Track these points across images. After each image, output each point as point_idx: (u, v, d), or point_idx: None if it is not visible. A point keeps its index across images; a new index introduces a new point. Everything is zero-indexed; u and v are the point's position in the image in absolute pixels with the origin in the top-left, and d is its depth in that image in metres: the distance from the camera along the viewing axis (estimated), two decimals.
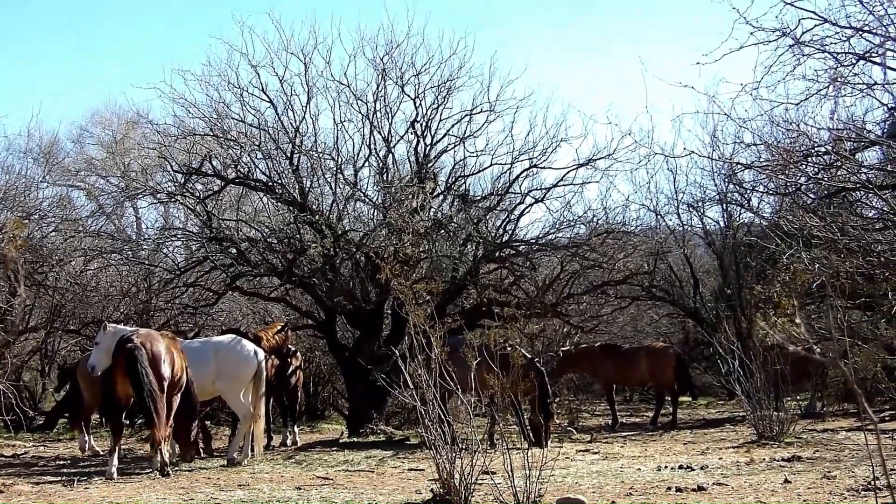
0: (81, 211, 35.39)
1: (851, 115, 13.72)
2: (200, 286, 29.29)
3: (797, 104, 13.94)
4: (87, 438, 22.27)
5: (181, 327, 26.47)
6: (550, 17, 72.94)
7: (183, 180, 28.34)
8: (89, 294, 29.50)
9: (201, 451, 20.58)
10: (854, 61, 12.84)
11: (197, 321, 28.71)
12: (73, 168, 40.83)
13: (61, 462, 20.83)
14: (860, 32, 12.67)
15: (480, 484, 12.57)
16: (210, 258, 28.60)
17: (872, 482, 11.44)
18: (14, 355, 28.48)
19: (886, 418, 22.43)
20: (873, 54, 12.71)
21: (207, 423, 21.21)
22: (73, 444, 23.45)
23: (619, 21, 72.55)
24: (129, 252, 31.56)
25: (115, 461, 17.88)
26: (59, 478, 17.81)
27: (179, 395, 18.71)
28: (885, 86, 13.11)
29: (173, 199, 30.40)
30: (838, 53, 12.83)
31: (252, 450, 20.37)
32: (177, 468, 18.77)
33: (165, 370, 17.87)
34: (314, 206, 28.03)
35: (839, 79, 12.91)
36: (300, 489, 16.04)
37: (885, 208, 13.61)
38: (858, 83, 13.06)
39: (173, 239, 32.93)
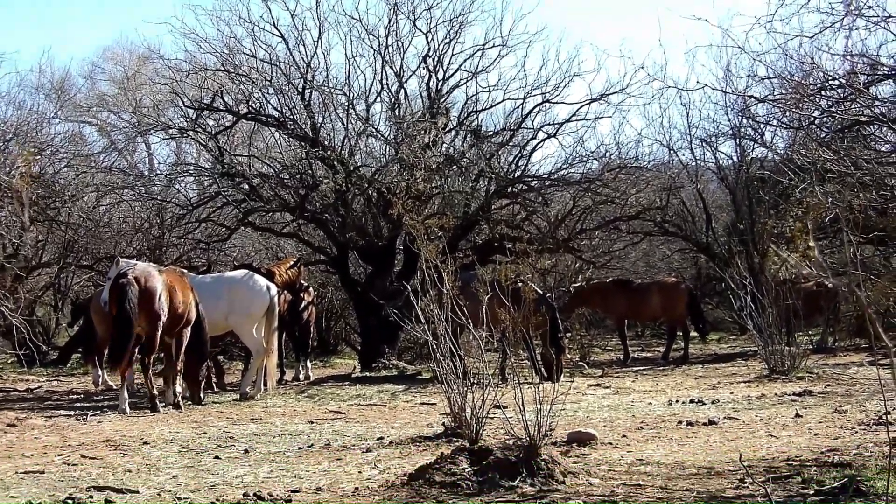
0: (93, 146, 35.38)
1: (866, 48, 13.61)
2: (213, 221, 29.21)
3: (811, 37, 13.79)
4: (100, 373, 22.31)
5: (194, 262, 26.45)
6: None
7: (195, 116, 28.30)
8: (102, 229, 29.45)
9: (214, 385, 20.62)
10: None
11: (209, 256, 28.66)
12: (85, 104, 40.77)
13: (74, 396, 20.90)
14: None
15: (492, 418, 12.56)
16: (222, 194, 28.59)
17: (884, 416, 11.40)
18: (27, 290, 28.52)
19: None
20: None
21: (220, 357, 21.24)
22: (86, 379, 23.54)
23: None
24: (142, 187, 31.63)
25: (127, 395, 17.91)
26: (72, 412, 17.86)
27: (189, 329, 18.72)
28: None
29: (185, 135, 30.50)
30: None
31: (265, 384, 20.43)
32: (189, 402, 18.79)
33: (161, 306, 17.83)
34: (326, 142, 28.00)
35: (854, 11, 12.78)
36: (312, 423, 16.08)
37: None
38: (873, 16, 12.93)
39: (185, 174, 32.91)
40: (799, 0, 13.29)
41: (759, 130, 29.64)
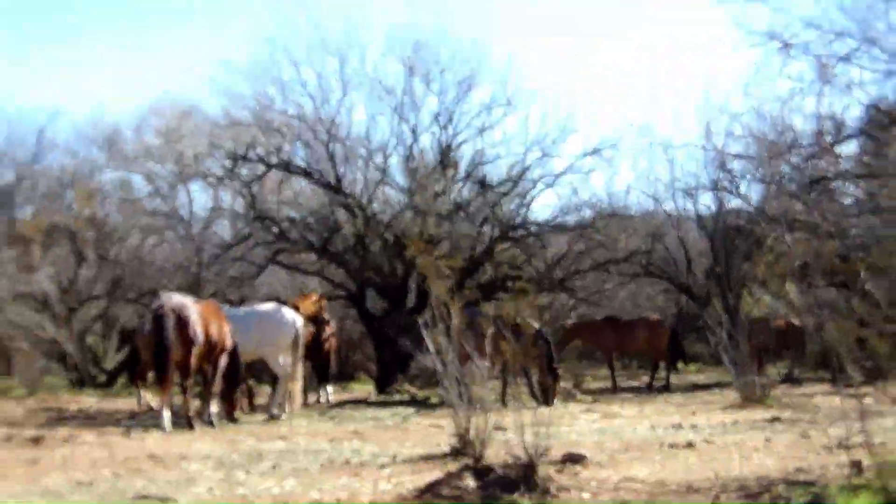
0: (140, 193, 35.45)
1: (832, 111, 13.69)
2: (245, 260, 29.41)
3: (783, 101, 13.89)
4: (143, 394, 22.34)
5: (228, 297, 26.50)
6: (565, 20, 72.56)
7: (230, 165, 28.65)
8: (146, 267, 29.66)
9: (244, 408, 20.62)
10: (835, 63, 12.79)
11: (242, 292, 28.75)
12: (133, 154, 40.91)
13: (121, 415, 20.90)
14: (842, 36, 12.62)
15: (494, 439, 12.58)
16: (254, 235, 28.80)
17: (845, 441, 11.42)
18: (79, 321, 28.63)
19: (861, 383, 22.35)
20: (853, 56, 12.66)
21: (251, 381, 21.26)
22: (131, 400, 23.54)
23: (624, 17, 72.17)
24: (182, 230, 31.91)
25: (167, 415, 17.93)
26: (119, 429, 17.88)
27: (224, 356, 18.81)
28: (863, 85, 13.07)
29: (222, 183, 30.73)
30: (821, 55, 12.78)
31: (290, 407, 20.46)
32: (224, 420, 18.82)
33: (195, 333, 17.91)
34: (347, 190, 28.28)
35: (822, 78, 12.86)
36: (333, 441, 16.08)
37: (861, 196, 13.58)
38: (839, 83, 13.01)
39: (221, 218, 33.09)
40: (773, 67, 13.40)
41: (736, 184, 29.68)
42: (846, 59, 12.78)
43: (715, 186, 31.38)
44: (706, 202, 33.17)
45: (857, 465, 10.15)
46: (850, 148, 15.41)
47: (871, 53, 12.69)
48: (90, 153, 37.37)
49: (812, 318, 14.21)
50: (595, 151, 28.94)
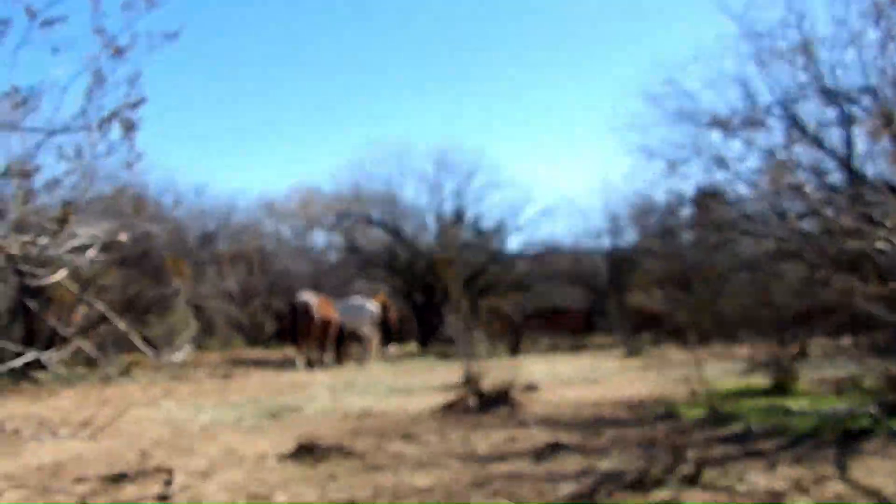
0: (285, 234, 35.93)
1: (678, 189, 13.77)
2: (345, 273, 29.71)
3: (649, 184, 13.96)
4: (287, 350, 22.36)
5: (336, 294, 26.55)
6: (529, 133, 72.63)
7: (337, 220, 29.19)
8: (290, 277, 29.86)
9: (345, 358, 20.56)
10: (679, 163, 12.85)
11: (343, 291, 28.83)
12: (282, 213, 41.45)
13: (274, 362, 20.91)
14: (682, 148, 12.66)
15: (485, 376, 12.55)
16: (350, 259, 29.12)
17: (686, 378, 11.36)
18: (251, 307, 28.71)
19: (695, 345, 22.22)
20: (688, 160, 12.72)
21: (348, 343, 21.24)
22: (280, 352, 23.54)
23: (563, 135, 72.23)
24: (310, 256, 32.12)
25: (301, 362, 17.98)
26: (273, 369, 17.91)
27: (334, 329, 18.92)
28: (694, 176, 13.11)
29: (332, 230, 31.07)
30: (670, 159, 12.82)
31: (370, 357, 20.48)
32: (333, 364, 18.82)
33: (316, 315, 18.01)
34: (403, 235, 28.53)
35: (671, 172, 12.90)
36: (394, 376, 16.08)
37: (693, 238, 13.60)
38: (681, 173, 13.06)
39: (332, 249, 33.41)
40: (643, 165, 13.49)
41: (623, 231, 29.70)
42: (685, 161, 12.80)
43: (611, 232, 31.42)
44: (607, 241, 33.24)
45: (693, 392, 10.09)
46: (686, 211, 15.44)
47: (699, 158, 12.69)
48: (257, 213, 37.86)
49: (667, 307, 14.27)
50: (543, 212, 29.24)
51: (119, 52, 3.06)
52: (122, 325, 4.03)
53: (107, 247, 3.84)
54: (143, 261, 15.61)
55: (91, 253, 3.46)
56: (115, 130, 3.06)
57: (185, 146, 67.65)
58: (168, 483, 6.13)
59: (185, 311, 15.20)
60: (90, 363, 13.18)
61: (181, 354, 4.64)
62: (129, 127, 2.99)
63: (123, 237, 3.76)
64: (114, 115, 2.98)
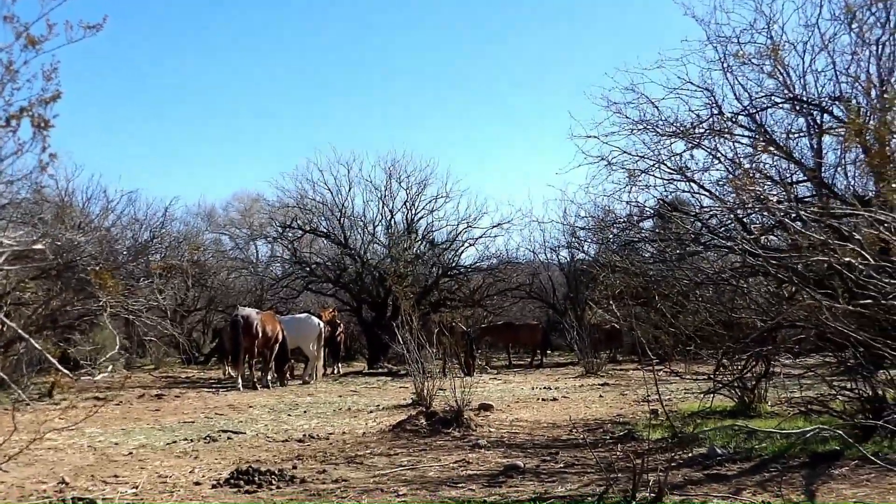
0: (226, 246, 35.55)
1: (638, 200, 13.81)
2: (289, 287, 29.48)
3: (609, 195, 13.98)
4: (227, 369, 22.00)
5: (279, 309, 26.28)
6: (482, 142, 72.98)
7: (281, 231, 28.93)
8: (229, 291, 29.58)
9: (288, 378, 20.22)
10: (640, 173, 12.86)
11: (287, 306, 28.61)
12: (222, 223, 40.99)
13: (212, 381, 20.56)
14: (642, 158, 12.71)
15: (437, 395, 12.46)
16: (294, 272, 28.99)
17: (648, 397, 11.38)
18: (188, 322, 28.37)
19: (655, 362, 22.46)
20: (650, 170, 12.74)
21: (292, 361, 20.99)
22: (218, 372, 23.17)
23: (518, 144, 72.84)
24: (251, 269, 31.85)
25: (241, 381, 17.69)
26: (210, 389, 17.59)
27: (277, 346, 18.64)
28: (656, 187, 13.16)
29: (276, 241, 30.94)
30: (632, 168, 12.85)
31: (315, 376, 20.27)
32: (275, 385, 18.54)
33: (258, 331, 17.76)
34: (351, 246, 28.35)
35: (631, 182, 12.94)
36: (341, 396, 15.92)
37: (654, 251, 13.66)
38: (642, 184, 13.09)
39: (275, 262, 33.21)
40: (603, 175, 13.51)
41: (581, 244, 29.84)
42: (646, 171, 12.86)
43: (569, 245, 31.59)
44: (564, 255, 33.37)
45: (654, 412, 10.12)
46: (648, 224, 15.55)
47: (661, 169, 12.78)
48: (196, 223, 37.61)
49: (627, 323, 14.31)
50: (498, 225, 29.32)
51: (33, 44, 2.91)
52: (35, 343, 3.85)
53: (23, 256, 3.67)
54: (67, 273, 15.18)
55: None
56: (26, 128, 2.90)
57: (115, 150, 66.80)
58: None
59: (112, 328, 14.77)
60: (2, 385, 12.77)
61: (105, 374, 4.46)
62: (42, 125, 2.83)
63: (40, 246, 3.59)
64: (24, 110, 2.82)
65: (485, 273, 29.76)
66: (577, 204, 35.33)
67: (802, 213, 7.61)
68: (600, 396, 14.98)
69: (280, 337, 18.75)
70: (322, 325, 20.78)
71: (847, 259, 6.07)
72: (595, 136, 12.93)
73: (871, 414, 7.94)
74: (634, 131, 12.81)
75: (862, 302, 6.54)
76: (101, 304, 14.36)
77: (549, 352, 29.84)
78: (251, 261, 33.95)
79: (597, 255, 23.01)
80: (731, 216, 11.42)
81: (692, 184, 12.50)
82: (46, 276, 14.75)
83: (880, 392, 8.18)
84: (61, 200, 19.84)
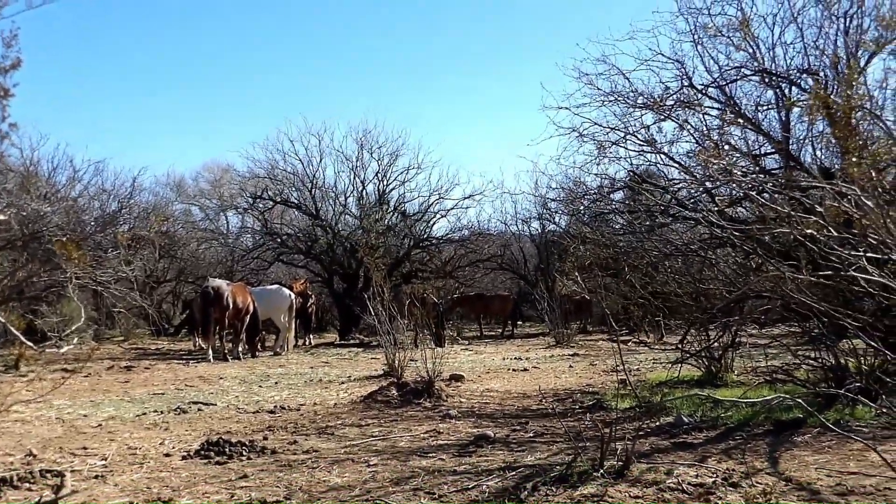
0: (196, 217, 35.29)
1: (608, 172, 13.90)
2: (260, 259, 29.42)
3: (580, 167, 14.05)
4: (197, 340, 21.91)
5: (250, 280, 26.20)
6: (452, 113, 72.85)
7: (251, 202, 28.77)
8: (199, 262, 29.38)
9: (259, 349, 20.19)
10: (610, 145, 12.92)
11: (258, 277, 28.51)
12: (192, 194, 40.66)
13: (182, 353, 20.49)
14: (614, 130, 12.76)
15: (409, 366, 12.52)
16: (265, 244, 28.92)
17: (616, 368, 11.53)
18: (158, 294, 28.22)
19: (624, 332, 22.72)
20: (621, 142, 12.80)
21: (263, 332, 20.94)
22: (189, 343, 23.08)
23: (488, 116, 72.78)
24: (222, 239, 31.63)
25: (211, 353, 17.65)
26: (181, 361, 17.54)
27: (248, 318, 18.57)
28: (627, 158, 13.23)
29: (246, 212, 30.63)
30: (603, 141, 12.90)
31: (286, 347, 20.27)
32: (246, 356, 18.52)
33: (228, 303, 17.70)
34: (322, 217, 28.32)
35: (601, 154, 13.00)
36: (312, 368, 15.93)
37: (624, 223, 13.76)
38: (613, 156, 13.16)
39: (245, 233, 33.00)
40: (573, 147, 13.55)
41: (552, 216, 29.93)
42: (616, 143, 12.91)
43: (540, 217, 31.72)
44: (535, 226, 33.52)
45: (623, 382, 10.25)
46: (618, 195, 15.64)
47: (631, 141, 12.84)
48: (165, 193, 37.30)
49: (597, 295, 14.44)
50: (470, 196, 29.40)
51: None
52: None
53: None
54: (33, 244, 14.98)
55: None
56: None
57: (83, 119, 65.82)
58: (58, 487, 5.90)
59: (80, 300, 14.64)
60: None
61: (72, 346, 4.44)
62: (2, 94, 2.79)
63: (4, 217, 3.56)
64: None
65: (456, 244, 29.86)
66: (548, 175, 35.64)
67: (768, 185, 7.70)
68: (570, 367, 15.11)
69: (251, 308, 18.70)
70: (293, 296, 20.75)
71: (810, 231, 6.18)
72: (566, 108, 13.02)
73: (834, 383, 8.11)
74: (605, 103, 12.88)
75: (825, 273, 6.66)
76: (67, 275, 14.23)
77: (519, 323, 30.04)
78: (221, 232, 33.73)
79: (568, 227, 23.17)
80: (700, 188, 11.53)
81: (662, 156, 12.61)
82: (12, 247, 14.57)
83: (842, 361, 8.35)
84: (26, 170, 19.52)
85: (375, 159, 29.32)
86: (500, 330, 28.75)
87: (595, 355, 17.72)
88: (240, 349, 18.59)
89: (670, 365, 11.29)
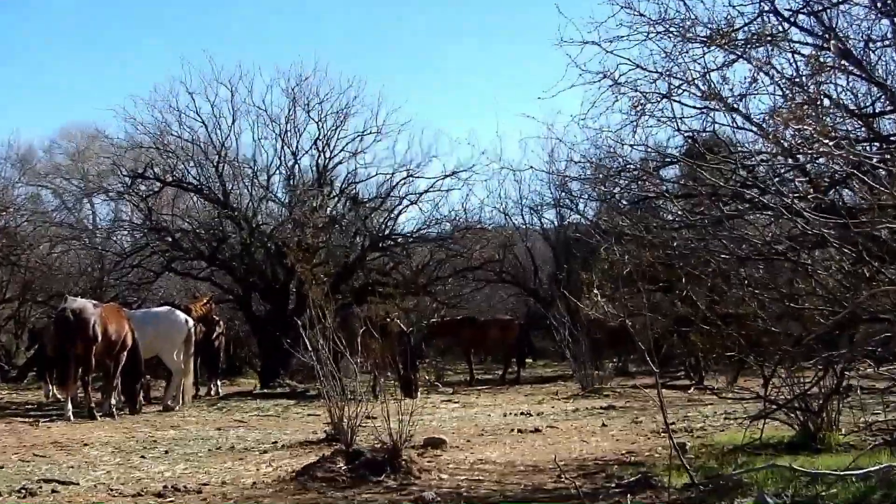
0: (48, 206, 35.17)
1: (656, 140, 13.94)
2: (143, 267, 29.23)
3: (614, 132, 14.03)
4: (49, 388, 21.84)
5: (127, 300, 26.12)
6: (426, 57, 72.90)
7: (130, 182, 28.69)
8: (54, 272, 29.28)
9: (142, 402, 20.14)
10: (659, 99, 12.95)
11: (140, 295, 28.42)
12: (43, 172, 40.59)
13: (29, 406, 20.42)
14: (664, 76, 12.79)
15: (364, 427, 12.53)
16: (150, 245, 28.88)
17: (670, 425, 11.59)
18: None
19: (681, 376, 22.78)
20: (674, 93, 12.84)
21: (148, 377, 20.92)
22: (39, 393, 22.98)
23: (479, 58, 72.80)
24: (86, 239, 31.66)
25: (71, 406, 17.60)
26: (27, 419, 17.48)
27: (125, 355, 18.53)
28: (683, 118, 13.25)
29: (122, 198, 30.78)
30: (647, 92, 12.93)
31: (183, 399, 20.26)
32: (122, 412, 18.47)
33: (96, 333, 17.63)
34: (234, 205, 28.36)
35: (646, 112, 13.04)
36: (220, 429, 15.93)
37: (680, 213, 13.80)
38: (663, 116, 13.18)
39: (121, 229, 32.86)
40: (605, 102, 13.53)
41: (574, 202, 30.08)
42: (667, 96, 12.95)
43: (557, 204, 31.82)
44: (550, 217, 33.61)
45: (680, 447, 10.29)
46: (671, 172, 15.71)
47: (690, 92, 12.86)
48: (4, 171, 37.13)
49: (641, 318, 14.45)
50: (453, 173, 29.26)
51: None
52: None
53: None
54: None
55: None
56: None
57: None
58: None
59: None
60: None
61: None
62: None
63: None
64: None
65: (434, 245, 29.85)
66: (568, 144, 35.59)
67: (886, 158, 7.78)
68: (603, 425, 15.17)
69: (129, 341, 18.66)
70: (191, 323, 20.73)
71: None
72: (594, 43, 13.02)
73: None
74: (651, 36, 12.90)
75: None
76: None
77: (528, 360, 30.11)
78: (86, 227, 33.60)
79: (597, 218, 23.23)
80: (788, 163, 11.59)
81: (733, 115, 12.63)
82: None
83: None
84: None
85: (314, 120, 29.28)
86: (499, 372, 28.78)
87: (640, 408, 17.79)
88: (113, 401, 18.54)
89: (748, 421, 11.35)
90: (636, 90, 13.05)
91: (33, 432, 15.55)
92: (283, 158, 29.44)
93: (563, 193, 30.53)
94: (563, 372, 27.32)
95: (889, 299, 8.54)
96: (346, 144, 29.37)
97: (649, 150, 14.30)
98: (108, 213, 35.13)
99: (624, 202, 16.20)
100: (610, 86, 13.08)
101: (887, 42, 11.83)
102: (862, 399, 11.69)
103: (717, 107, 12.82)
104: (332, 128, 29.23)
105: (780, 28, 12.08)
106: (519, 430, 14.72)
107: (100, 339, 17.78)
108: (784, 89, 12.02)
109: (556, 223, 32.94)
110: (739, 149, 13.44)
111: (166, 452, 13.09)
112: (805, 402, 10.89)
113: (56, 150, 46.18)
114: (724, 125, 13.42)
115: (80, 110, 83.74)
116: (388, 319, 21.75)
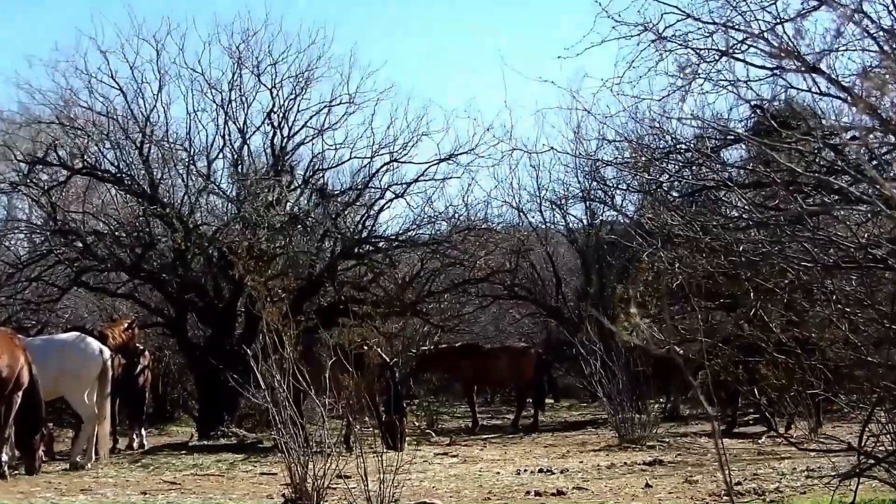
0: None
1: (715, 112, 13.87)
2: (44, 281, 29.11)
3: (659, 100, 13.99)
4: None
5: (24, 324, 26.05)
6: (411, 11, 73.05)
7: (27, 170, 28.33)
8: None
9: (42, 456, 20.10)
10: (717, 57, 12.90)
11: (40, 318, 28.35)
12: None
13: None
14: (723, 28, 12.74)
15: (334, 488, 12.51)
16: (54, 252, 28.56)
17: (731, 487, 11.54)
18: None
19: (751, 421, 22.73)
20: (736, 51, 12.78)
21: (50, 424, 20.86)
22: None
23: (478, 13, 72.96)
24: None
25: None
26: None
27: (20, 394, 18.40)
28: (749, 82, 13.17)
29: (16, 190, 30.30)
30: (701, 49, 12.89)
31: (96, 453, 20.17)
32: (16, 472, 18.39)
33: None
34: (165, 199, 28.10)
35: (700, 75, 12.98)
36: (146, 494, 15.87)
37: (747, 207, 13.71)
38: (721, 80, 13.13)
39: (15, 231, 32.73)
40: (647, 63, 13.45)
41: (609, 193, 30.03)
42: (727, 53, 12.89)
43: (586, 196, 31.75)
44: (577, 214, 33.60)
45: None
46: (735, 154, 15.64)
47: (756, 49, 12.80)
48: None
49: (697, 345, 14.36)
50: (449, 157, 29.06)
51: None
52: None
53: None
54: None
55: None
56: None
57: None
58: None
59: None
60: None
61: None
62: None
63: None
64: None
65: (426, 250, 29.80)
66: (598, 117, 35.55)
67: None
68: (647, 486, 15.13)
69: (25, 378, 18.58)
70: (108, 354, 20.66)
71: None
72: None
73: None
74: None
75: None
76: None
77: (550, 400, 30.11)
78: None
79: (638, 214, 23.22)
80: (890, 140, 11.53)
81: (815, 76, 12.56)
82: None
83: None
84: None
85: (266, 86, 29.12)
86: (511, 416, 28.78)
87: (695, 463, 17.76)
88: (4, 458, 18.47)
89: (838, 480, 11.32)
90: (686, 46, 13.02)
91: None
92: (227, 137, 29.09)
93: (594, 183, 30.43)
94: (594, 416, 27.37)
95: None
96: (310, 119, 29.20)
97: (705, 124, 14.27)
98: (4, 211, 35.06)
99: (674, 194, 16.17)
100: (652, 41, 13.06)
101: None
102: None
103: (792, 67, 12.76)
104: (291, 97, 29.00)
105: None
106: (537, 493, 14.69)
107: None
108: (881, 44, 11.98)
109: (585, 222, 32.92)
110: (823, 122, 13.39)
111: None
112: None
113: None
114: (801, 90, 13.37)
115: None
116: (366, 348, 21.72)
